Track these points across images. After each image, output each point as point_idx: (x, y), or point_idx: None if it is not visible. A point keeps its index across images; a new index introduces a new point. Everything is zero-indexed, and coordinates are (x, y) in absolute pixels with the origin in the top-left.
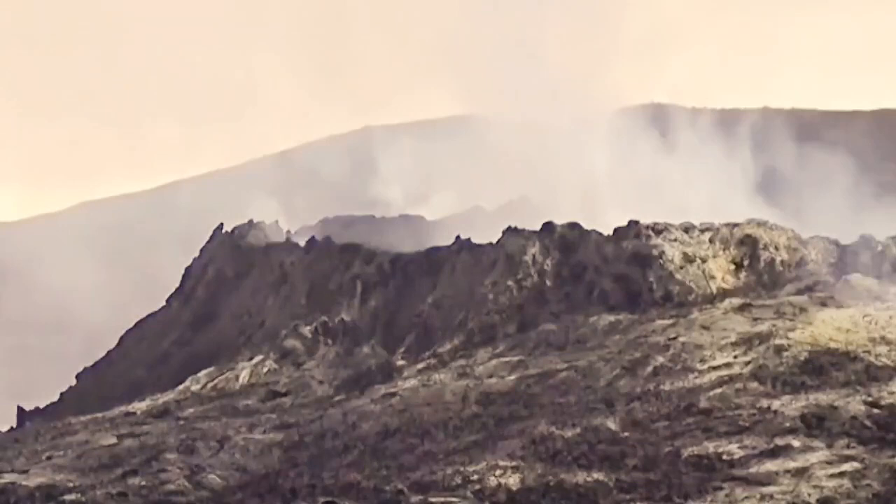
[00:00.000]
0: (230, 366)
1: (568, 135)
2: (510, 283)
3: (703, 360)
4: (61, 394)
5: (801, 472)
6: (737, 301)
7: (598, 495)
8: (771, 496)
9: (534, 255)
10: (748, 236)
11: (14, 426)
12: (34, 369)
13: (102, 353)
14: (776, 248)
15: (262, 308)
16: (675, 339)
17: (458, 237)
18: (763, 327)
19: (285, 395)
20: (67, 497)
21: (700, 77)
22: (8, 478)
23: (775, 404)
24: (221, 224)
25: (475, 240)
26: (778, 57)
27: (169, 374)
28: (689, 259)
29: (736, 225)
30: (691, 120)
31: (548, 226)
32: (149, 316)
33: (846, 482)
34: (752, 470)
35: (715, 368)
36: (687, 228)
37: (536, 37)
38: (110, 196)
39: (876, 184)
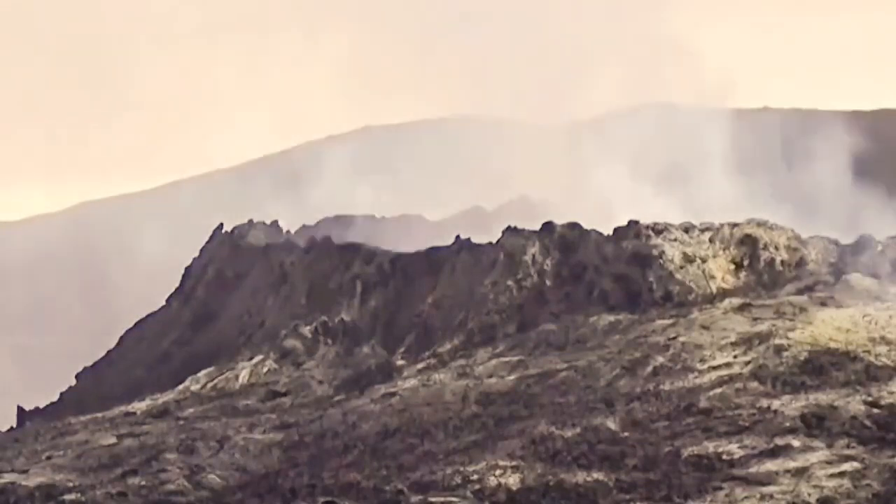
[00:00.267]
0: (230, 366)
1: (568, 135)
2: (510, 283)
3: (703, 360)
4: (61, 394)
5: (801, 472)
6: (737, 301)
7: (598, 495)
8: (771, 496)
9: (534, 255)
10: (748, 236)
11: (14, 426)
12: (34, 369)
13: (102, 353)
14: (776, 248)
15: (262, 308)
16: (675, 339)
17: (458, 237)
18: (763, 327)
19: (285, 395)
20: (67, 497)
21: (700, 77)
22: (8, 478)
23: (775, 404)
24: (221, 224)
25: (475, 240)
26: (778, 57)
27: (169, 374)
28: (689, 259)
29: (736, 225)
30: (691, 119)
31: (548, 226)
32: (149, 316)
33: (846, 482)
34: (752, 470)
35: (715, 368)
36: (687, 228)
37: (537, 37)
38: (110, 196)
39: (876, 184)
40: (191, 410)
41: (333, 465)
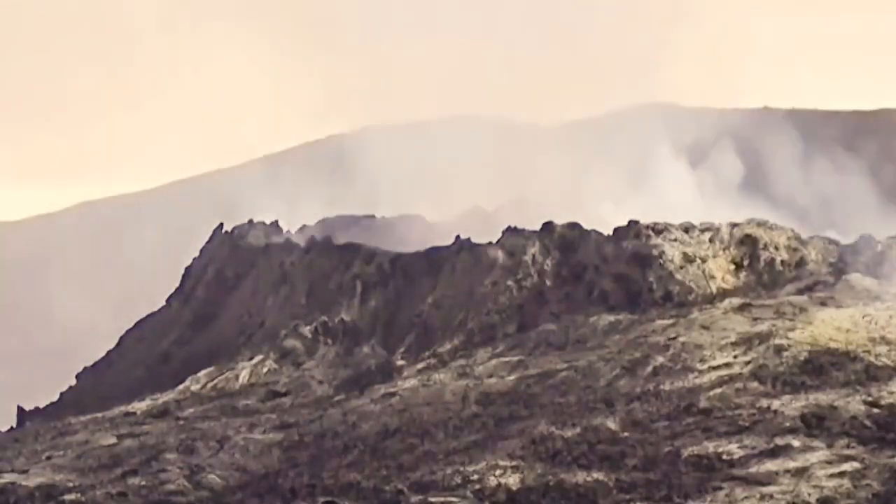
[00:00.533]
0: (230, 366)
1: (568, 135)
2: (510, 283)
3: (703, 360)
4: (61, 394)
5: (801, 472)
6: (737, 301)
7: (598, 495)
8: (771, 496)
9: (534, 255)
10: (748, 236)
11: (14, 426)
12: (34, 369)
13: (102, 353)
14: (776, 248)
15: (262, 308)
16: (675, 339)
17: (458, 237)
18: (763, 327)
19: (285, 395)
20: (67, 497)
21: (700, 77)
22: (8, 478)
23: (775, 404)
24: (221, 224)
25: (475, 240)
26: (778, 57)
27: (169, 374)
28: (689, 259)
29: (736, 225)
30: (691, 119)
31: (548, 226)
32: (149, 316)
33: (846, 482)
34: (752, 470)
35: (715, 368)
36: (687, 228)
37: (537, 37)
38: (110, 196)
39: (876, 184)
40: (191, 410)
41: (333, 465)
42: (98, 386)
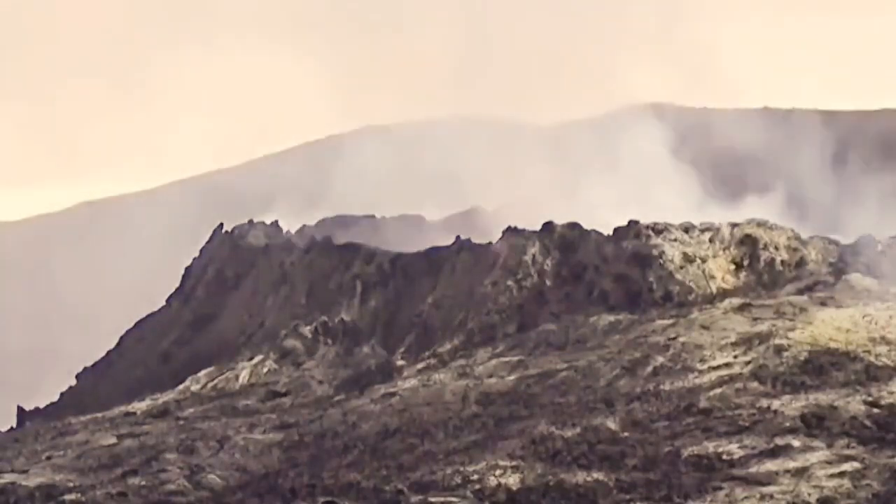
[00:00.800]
0: (230, 366)
1: (567, 135)
2: (510, 283)
3: (703, 360)
4: (61, 394)
5: (801, 472)
6: (737, 301)
7: (598, 495)
8: (771, 496)
9: (534, 255)
10: (748, 236)
11: (14, 426)
12: (34, 369)
13: (102, 353)
14: (776, 248)
15: (262, 308)
16: (675, 339)
17: (458, 237)
18: (763, 327)
19: (285, 395)
20: (67, 497)
21: (701, 77)
22: (8, 478)
23: (775, 404)
24: (221, 224)
25: (475, 240)
26: (778, 57)
27: (169, 374)
28: (689, 259)
29: (736, 225)
30: (690, 119)
31: (548, 226)
32: (149, 316)
33: (846, 482)
34: (752, 470)
35: (715, 368)
36: (687, 228)
37: (539, 37)
38: (110, 196)
39: (876, 184)
40: (191, 410)
41: (333, 465)
42: (98, 386)
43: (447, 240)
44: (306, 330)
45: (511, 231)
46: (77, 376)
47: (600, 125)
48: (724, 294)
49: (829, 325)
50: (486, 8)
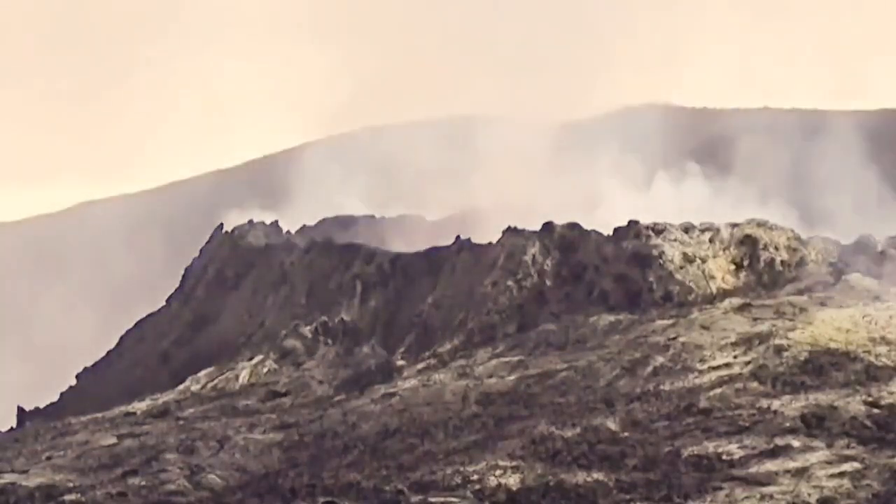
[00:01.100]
0: (230, 366)
1: (567, 135)
2: (510, 283)
3: (703, 360)
4: (61, 394)
5: (801, 472)
6: (737, 301)
7: (598, 495)
8: (771, 496)
9: (534, 255)
10: (748, 236)
11: (14, 426)
12: (34, 369)
13: (102, 354)
14: (776, 248)
15: (262, 308)
16: (675, 339)
17: (458, 237)
18: (763, 327)
19: (285, 395)
20: (67, 497)
21: (701, 77)
22: (8, 478)
23: (775, 404)
24: (221, 224)
25: (475, 240)
26: (778, 57)
27: (169, 374)
28: (689, 259)
29: (736, 225)
30: (691, 119)
31: (548, 226)
32: (149, 316)
33: (846, 482)
34: (752, 470)
35: (715, 368)
36: (687, 228)
37: (538, 37)
38: (110, 196)
39: (876, 184)
40: (191, 410)
41: (333, 465)
42: (98, 386)
43: (447, 240)
44: (306, 330)
45: (511, 231)
46: (77, 376)
47: (601, 125)
48: (724, 294)
49: (829, 326)
50: (485, 8)
